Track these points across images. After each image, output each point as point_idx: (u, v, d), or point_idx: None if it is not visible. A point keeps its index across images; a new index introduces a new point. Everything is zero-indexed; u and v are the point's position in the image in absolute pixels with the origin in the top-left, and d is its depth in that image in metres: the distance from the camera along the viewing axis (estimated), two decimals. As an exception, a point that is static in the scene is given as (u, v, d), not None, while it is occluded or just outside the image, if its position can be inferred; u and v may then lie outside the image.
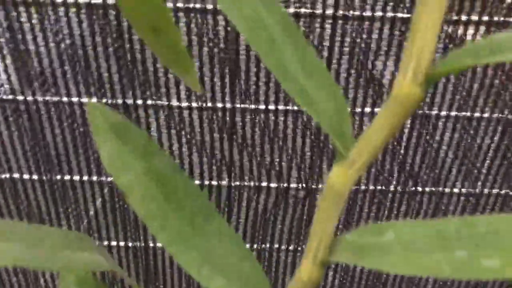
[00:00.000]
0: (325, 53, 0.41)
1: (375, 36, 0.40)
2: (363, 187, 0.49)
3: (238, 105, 0.44)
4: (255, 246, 0.53)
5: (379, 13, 0.38)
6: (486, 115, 0.43)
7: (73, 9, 0.41)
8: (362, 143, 0.17)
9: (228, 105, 0.43)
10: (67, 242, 0.22)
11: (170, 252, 0.19)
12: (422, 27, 0.16)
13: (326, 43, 0.41)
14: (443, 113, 0.43)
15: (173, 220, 0.19)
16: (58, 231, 0.24)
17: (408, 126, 0.45)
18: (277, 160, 0.46)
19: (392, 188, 0.48)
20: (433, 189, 0.49)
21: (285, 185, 0.48)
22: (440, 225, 0.18)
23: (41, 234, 0.21)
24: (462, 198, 0.50)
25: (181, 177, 0.20)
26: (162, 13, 0.16)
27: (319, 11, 0.38)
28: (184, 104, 0.45)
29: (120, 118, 0.20)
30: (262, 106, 0.44)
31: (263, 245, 0.53)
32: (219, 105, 0.44)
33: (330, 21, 0.38)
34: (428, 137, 0.44)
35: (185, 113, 0.46)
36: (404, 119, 0.17)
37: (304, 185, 0.48)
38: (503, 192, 0.50)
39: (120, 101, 0.46)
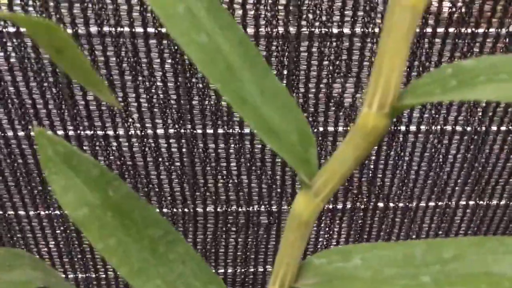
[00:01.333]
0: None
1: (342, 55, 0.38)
2: (331, 206, 0.48)
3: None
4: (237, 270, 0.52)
5: (347, 30, 0.36)
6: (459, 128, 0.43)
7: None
8: (327, 172, 0.17)
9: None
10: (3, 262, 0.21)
11: (133, 285, 0.18)
12: (388, 56, 0.15)
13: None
14: (413, 128, 0.42)
15: (134, 252, 0.18)
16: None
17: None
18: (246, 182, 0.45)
19: (362, 206, 0.48)
20: (407, 204, 0.49)
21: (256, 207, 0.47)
22: (407, 249, 0.17)
23: None
24: (437, 211, 0.50)
25: (139, 205, 0.19)
26: (59, 35, 0.15)
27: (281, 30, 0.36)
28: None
29: (71, 147, 0.18)
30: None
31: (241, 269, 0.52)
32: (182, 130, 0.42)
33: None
34: (399, 152, 0.44)
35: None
36: (370, 149, 0.16)
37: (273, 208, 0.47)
38: (471, 203, 0.50)
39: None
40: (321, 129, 0.42)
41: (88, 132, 0.42)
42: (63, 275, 0.52)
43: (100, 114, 0.42)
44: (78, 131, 0.42)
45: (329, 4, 0.36)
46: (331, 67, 0.39)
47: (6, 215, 0.47)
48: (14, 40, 0.37)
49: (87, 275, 0.53)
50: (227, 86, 0.16)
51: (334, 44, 0.38)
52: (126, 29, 0.37)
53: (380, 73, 0.15)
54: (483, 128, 0.44)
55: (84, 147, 0.43)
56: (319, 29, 0.37)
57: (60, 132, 0.42)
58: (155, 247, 0.19)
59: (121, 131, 0.43)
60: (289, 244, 0.18)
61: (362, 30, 0.38)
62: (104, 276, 0.53)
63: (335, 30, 0.38)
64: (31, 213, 0.47)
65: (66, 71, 0.18)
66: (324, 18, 0.37)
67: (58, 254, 0.51)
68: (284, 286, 0.18)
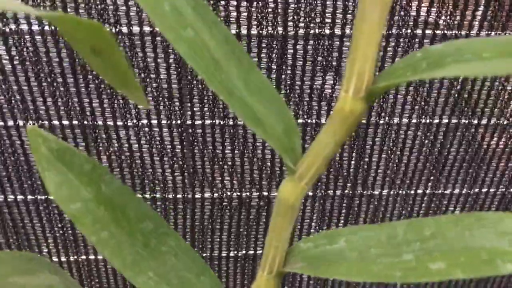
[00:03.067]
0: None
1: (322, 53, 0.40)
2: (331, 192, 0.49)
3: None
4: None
5: (326, 31, 0.38)
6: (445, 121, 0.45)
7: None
8: (309, 157, 0.17)
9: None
10: (17, 266, 0.21)
11: (126, 277, 0.19)
12: (362, 43, 0.16)
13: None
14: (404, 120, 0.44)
15: (126, 244, 0.19)
16: (6, 255, 0.22)
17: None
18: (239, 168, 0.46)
19: (357, 192, 0.49)
20: (399, 192, 0.50)
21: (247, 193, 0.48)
22: (389, 229, 0.18)
23: None
24: (425, 199, 0.51)
25: (131, 199, 0.19)
26: (102, 35, 0.15)
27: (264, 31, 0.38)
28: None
29: (64, 144, 0.19)
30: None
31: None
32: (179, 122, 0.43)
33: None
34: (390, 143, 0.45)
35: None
36: (349, 132, 0.17)
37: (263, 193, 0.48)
38: (464, 191, 0.52)
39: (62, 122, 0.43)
40: (303, 121, 0.44)
41: (86, 122, 0.43)
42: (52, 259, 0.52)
43: (101, 103, 0.42)
44: (75, 121, 0.43)
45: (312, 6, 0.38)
46: (314, 63, 0.41)
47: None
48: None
49: (76, 258, 0.52)
50: (214, 77, 0.16)
51: (317, 43, 0.40)
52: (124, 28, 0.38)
53: (355, 60, 0.16)
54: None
55: (78, 137, 0.44)
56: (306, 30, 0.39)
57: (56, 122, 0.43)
58: (147, 240, 0.19)
59: (119, 122, 0.43)
60: (276, 228, 0.18)
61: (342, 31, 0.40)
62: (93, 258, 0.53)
63: (318, 31, 0.40)
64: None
65: (98, 71, 0.17)
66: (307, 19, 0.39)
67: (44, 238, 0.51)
68: (273, 270, 0.19)
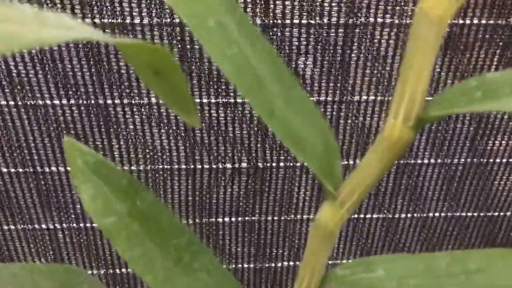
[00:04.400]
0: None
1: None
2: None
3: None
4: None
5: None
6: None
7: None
8: (352, 183, 0.16)
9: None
10: (58, 280, 0.21)
11: (158, 294, 0.18)
12: (415, 68, 0.15)
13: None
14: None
15: (158, 260, 0.18)
16: (48, 269, 0.22)
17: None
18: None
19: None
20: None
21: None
22: (429, 260, 0.17)
23: (28, 276, 0.19)
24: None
25: (165, 215, 0.19)
26: (165, 58, 0.14)
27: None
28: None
29: (100, 157, 0.18)
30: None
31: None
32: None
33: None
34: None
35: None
36: (394, 160, 0.16)
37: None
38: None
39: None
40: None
41: (88, 101, 0.43)
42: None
43: (101, 84, 0.42)
44: (79, 100, 0.43)
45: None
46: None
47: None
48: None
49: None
50: (256, 98, 0.16)
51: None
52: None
53: (406, 85, 0.15)
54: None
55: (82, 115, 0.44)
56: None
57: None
58: (180, 256, 0.19)
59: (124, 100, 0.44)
60: (313, 253, 0.17)
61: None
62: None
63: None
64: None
65: (156, 92, 0.17)
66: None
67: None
68: (308, 296, 0.18)
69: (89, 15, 0.38)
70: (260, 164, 0.48)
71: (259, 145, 0.47)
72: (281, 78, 0.17)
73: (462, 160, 0.47)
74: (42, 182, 0.49)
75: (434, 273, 0.17)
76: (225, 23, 0.16)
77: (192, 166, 0.48)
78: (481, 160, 0.47)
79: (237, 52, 0.16)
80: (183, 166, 0.48)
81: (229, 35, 0.16)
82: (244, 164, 0.48)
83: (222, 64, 0.15)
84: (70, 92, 0.43)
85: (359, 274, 0.18)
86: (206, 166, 0.48)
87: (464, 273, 0.16)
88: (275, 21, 0.37)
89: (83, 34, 0.12)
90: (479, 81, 0.15)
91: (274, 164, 0.48)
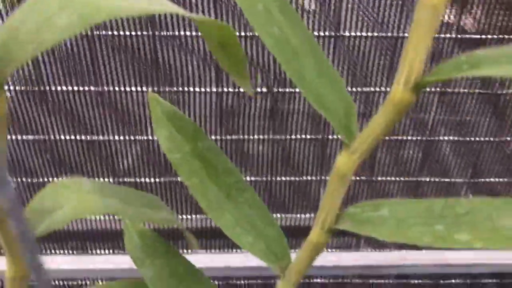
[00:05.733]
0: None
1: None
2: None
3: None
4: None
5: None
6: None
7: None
8: (362, 136, 0.20)
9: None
10: (148, 203, 0.26)
11: (210, 216, 0.23)
12: (414, 42, 0.19)
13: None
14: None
15: (212, 191, 0.23)
16: (141, 194, 0.27)
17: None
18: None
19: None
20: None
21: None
22: (428, 204, 0.21)
23: (130, 193, 0.25)
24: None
25: (221, 157, 0.24)
26: (229, 33, 0.19)
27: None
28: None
29: (174, 108, 0.24)
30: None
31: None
32: None
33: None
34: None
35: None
36: (398, 118, 0.20)
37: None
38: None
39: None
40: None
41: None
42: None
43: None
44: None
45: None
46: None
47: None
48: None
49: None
50: (291, 66, 0.20)
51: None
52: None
53: (407, 57, 0.19)
54: None
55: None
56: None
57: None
58: (229, 191, 0.24)
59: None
60: (330, 194, 0.22)
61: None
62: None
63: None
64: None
65: (220, 60, 0.22)
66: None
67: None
68: (325, 227, 0.22)
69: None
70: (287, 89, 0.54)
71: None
72: (314, 54, 0.21)
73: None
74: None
75: (430, 215, 0.20)
76: (270, 7, 0.21)
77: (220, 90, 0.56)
78: None
79: (278, 32, 0.20)
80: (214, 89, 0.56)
81: (272, 17, 0.21)
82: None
83: (266, 41, 0.20)
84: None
85: (367, 212, 0.21)
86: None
87: (453, 216, 0.20)
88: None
89: (171, 9, 0.17)
90: (467, 57, 0.18)
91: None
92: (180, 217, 0.67)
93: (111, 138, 0.60)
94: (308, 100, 0.20)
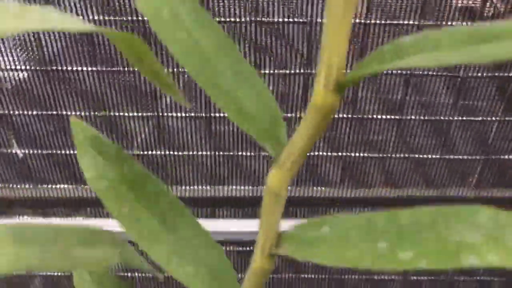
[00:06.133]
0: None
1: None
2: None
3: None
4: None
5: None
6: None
7: None
8: (288, 148, 0.18)
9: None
10: (81, 239, 0.24)
11: (141, 247, 0.21)
12: (330, 38, 0.16)
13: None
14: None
15: (143, 219, 0.21)
16: (73, 229, 0.26)
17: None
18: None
19: None
20: None
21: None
22: (370, 217, 0.18)
23: (55, 234, 0.23)
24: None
25: (150, 180, 0.22)
26: (140, 47, 0.17)
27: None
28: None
29: (95, 132, 0.22)
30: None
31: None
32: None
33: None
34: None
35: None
36: (324, 123, 0.17)
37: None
38: None
39: None
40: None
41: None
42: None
43: None
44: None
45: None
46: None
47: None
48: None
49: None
50: (201, 74, 0.18)
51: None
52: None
53: (324, 54, 0.16)
54: None
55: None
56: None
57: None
58: (163, 216, 0.21)
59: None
60: (265, 215, 0.19)
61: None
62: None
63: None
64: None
65: (144, 75, 0.21)
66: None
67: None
68: (265, 252, 0.20)
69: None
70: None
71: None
72: (229, 55, 0.19)
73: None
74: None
75: (373, 228, 0.18)
76: (178, 12, 0.18)
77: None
78: None
79: (186, 36, 0.18)
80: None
81: (180, 22, 0.18)
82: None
83: (169, 46, 0.18)
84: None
85: (308, 232, 0.19)
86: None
87: (396, 228, 0.17)
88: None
89: (59, 24, 0.15)
90: (392, 45, 0.16)
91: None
92: (191, 188, 0.72)
93: (125, 114, 0.65)
94: (226, 111, 0.18)
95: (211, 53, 0.18)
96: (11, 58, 0.61)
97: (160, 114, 0.66)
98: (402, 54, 0.15)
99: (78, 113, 0.65)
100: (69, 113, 0.66)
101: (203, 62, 0.18)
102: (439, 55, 0.14)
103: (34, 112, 0.66)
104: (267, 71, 0.60)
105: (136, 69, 0.61)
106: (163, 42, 0.18)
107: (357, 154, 0.66)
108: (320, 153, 0.67)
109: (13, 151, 0.69)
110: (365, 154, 0.66)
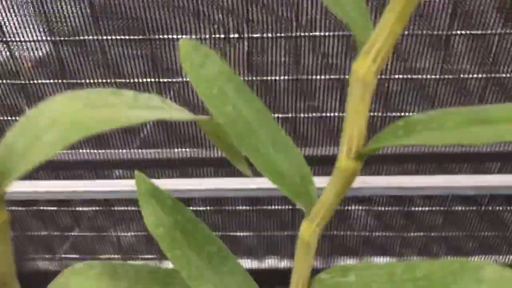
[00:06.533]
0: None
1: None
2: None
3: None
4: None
5: None
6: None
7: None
8: (317, 205, 0.21)
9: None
10: (162, 280, 0.27)
11: (190, 285, 0.24)
12: (350, 116, 0.19)
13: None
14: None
15: (193, 261, 0.24)
16: (153, 269, 0.29)
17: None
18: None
19: None
20: None
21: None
22: (391, 268, 0.20)
23: (141, 273, 0.26)
24: None
25: (201, 228, 0.25)
26: (221, 129, 0.21)
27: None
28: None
29: (155, 185, 0.25)
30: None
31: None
32: None
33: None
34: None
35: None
36: (347, 184, 0.20)
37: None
38: None
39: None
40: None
41: None
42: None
43: None
44: None
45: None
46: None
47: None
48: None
49: None
50: (244, 140, 0.21)
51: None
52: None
53: (346, 130, 0.19)
54: None
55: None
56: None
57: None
58: (210, 259, 0.25)
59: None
60: (298, 261, 0.22)
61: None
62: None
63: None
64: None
65: (221, 149, 0.25)
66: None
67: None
68: (298, 294, 0.22)
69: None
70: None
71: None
72: (268, 126, 0.22)
73: None
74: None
75: (392, 278, 0.20)
76: (225, 89, 0.22)
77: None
78: None
79: (231, 108, 0.22)
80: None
81: (227, 97, 0.22)
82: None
83: (218, 118, 0.21)
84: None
85: (336, 278, 0.21)
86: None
87: (412, 280, 0.19)
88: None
89: (165, 114, 0.19)
90: (404, 121, 0.19)
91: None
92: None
93: (145, 80, 0.70)
94: (262, 172, 0.21)
95: (252, 123, 0.22)
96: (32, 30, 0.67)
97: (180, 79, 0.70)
98: (411, 131, 0.18)
99: (100, 80, 0.71)
100: (94, 80, 0.72)
101: (245, 131, 0.22)
102: (444, 134, 0.17)
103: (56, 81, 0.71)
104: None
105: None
106: (213, 115, 0.22)
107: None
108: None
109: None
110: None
